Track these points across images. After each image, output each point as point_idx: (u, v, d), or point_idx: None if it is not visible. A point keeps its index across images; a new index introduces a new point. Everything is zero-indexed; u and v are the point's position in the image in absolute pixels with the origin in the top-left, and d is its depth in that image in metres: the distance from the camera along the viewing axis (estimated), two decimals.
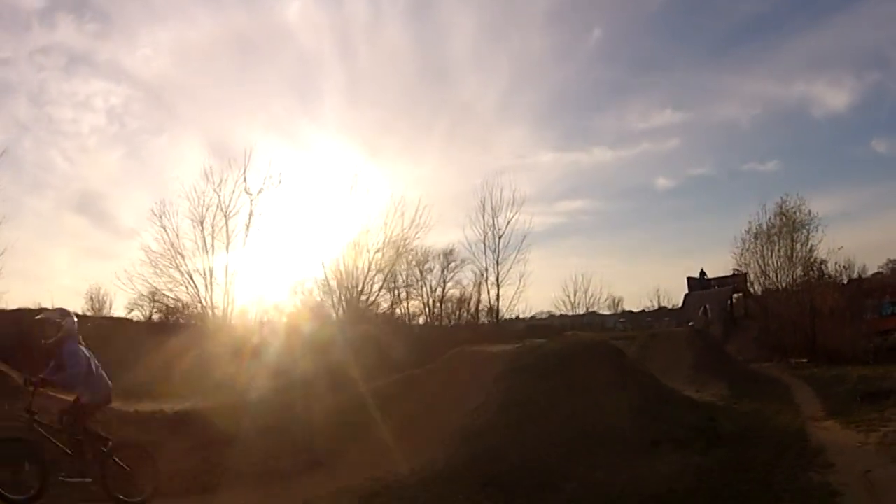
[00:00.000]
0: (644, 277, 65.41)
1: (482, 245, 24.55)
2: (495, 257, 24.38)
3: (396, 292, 25.53)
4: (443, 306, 27.14)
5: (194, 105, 43.83)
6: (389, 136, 53.34)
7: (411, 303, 26.59)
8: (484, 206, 24.45)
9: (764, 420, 8.74)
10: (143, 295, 19.23)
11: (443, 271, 26.45)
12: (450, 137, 55.52)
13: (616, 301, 38.37)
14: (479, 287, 25.56)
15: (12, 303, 15.23)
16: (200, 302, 18.88)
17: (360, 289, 22.05)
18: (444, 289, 26.55)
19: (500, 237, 24.25)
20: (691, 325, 22.67)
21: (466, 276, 25.87)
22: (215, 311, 18.82)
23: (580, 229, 40.44)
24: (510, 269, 24.11)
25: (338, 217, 22.66)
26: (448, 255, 26.01)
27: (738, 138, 64.91)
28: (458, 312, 27.78)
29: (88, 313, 23.52)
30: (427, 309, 26.90)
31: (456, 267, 26.10)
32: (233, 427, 6.66)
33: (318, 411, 6.93)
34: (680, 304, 34.51)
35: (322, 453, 6.25)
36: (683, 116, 65.55)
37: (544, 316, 34.56)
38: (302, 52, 41.58)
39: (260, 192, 19.13)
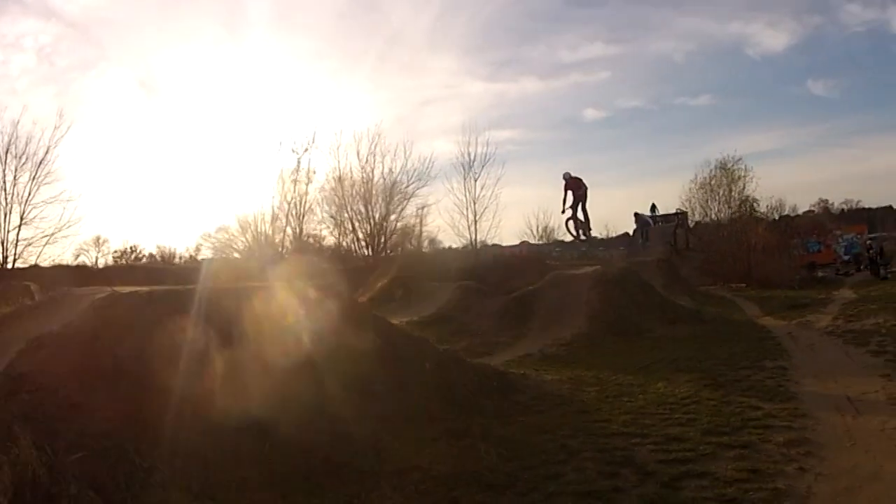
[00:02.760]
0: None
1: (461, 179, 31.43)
2: (472, 196, 31.53)
3: (342, 225, 32.01)
4: (387, 238, 33.96)
5: (123, 39, 45.46)
6: (319, 65, 58.38)
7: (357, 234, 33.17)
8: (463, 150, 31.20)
9: (725, 315, 17.26)
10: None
11: (387, 203, 33.00)
12: (379, 67, 61.74)
13: (547, 230, 48.29)
14: (423, 218, 32.77)
15: None
16: None
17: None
18: (387, 220, 33.24)
19: (476, 179, 31.41)
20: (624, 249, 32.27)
21: (408, 209, 32.83)
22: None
23: (508, 159, 49.04)
24: (486, 208, 31.56)
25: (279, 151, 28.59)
26: (392, 187, 32.40)
27: (670, 73, 78.58)
28: (403, 243, 34.89)
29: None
30: (373, 240, 33.62)
31: (401, 199, 32.77)
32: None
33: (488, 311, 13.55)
34: (614, 235, 46.42)
35: (501, 337, 12.78)
36: (616, 49, 77.26)
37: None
38: None
39: (305, 150, 27.84)
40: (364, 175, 30.97)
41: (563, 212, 18.76)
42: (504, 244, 43.97)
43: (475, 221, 31.87)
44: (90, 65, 51.76)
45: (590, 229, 19.50)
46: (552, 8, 70.87)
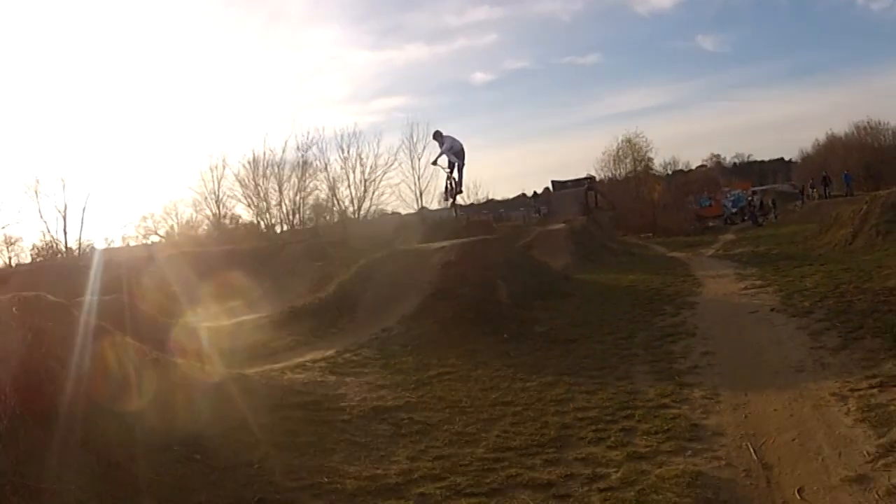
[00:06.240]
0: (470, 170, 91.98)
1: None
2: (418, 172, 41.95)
3: (257, 203, 41.63)
4: (301, 213, 43.58)
5: None
6: (201, 37, 65.67)
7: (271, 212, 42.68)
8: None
9: (645, 252, 29.30)
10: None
11: (298, 180, 42.68)
12: (263, 40, 69.72)
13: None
14: (335, 192, 42.79)
15: None
16: None
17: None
18: (300, 196, 42.89)
19: (420, 158, 41.67)
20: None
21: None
22: None
23: (397, 126, 59.29)
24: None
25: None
26: (304, 164, 42.12)
27: (557, 32, 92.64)
28: (316, 217, 44.50)
29: None
30: (287, 216, 43.25)
31: (311, 175, 42.54)
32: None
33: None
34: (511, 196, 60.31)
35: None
36: (501, 11, 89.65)
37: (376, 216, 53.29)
38: None
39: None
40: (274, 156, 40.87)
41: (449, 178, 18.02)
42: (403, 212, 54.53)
43: (420, 193, 42.48)
44: None
45: (460, 192, 18.68)
46: None
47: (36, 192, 35.57)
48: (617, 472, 5.57)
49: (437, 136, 17.76)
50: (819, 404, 6.77)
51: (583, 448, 6.22)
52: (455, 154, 17.42)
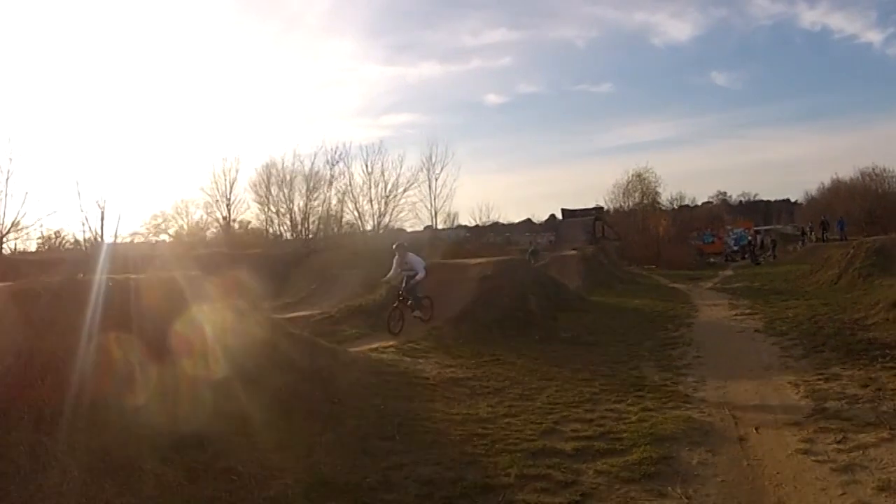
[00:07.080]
0: (472, 191, 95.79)
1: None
2: (434, 192, 44.78)
3: (267, 210, 44.29)
4: (308, 223, 46.19)
5: None
6: (214, 44, 69.37)
7: (281, 220, 45.42)
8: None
9: (650, 281, 32.24)
10: None
11: (309, 190, 45.25)
12: (276, 47, 73.35)
13: (451, 216, 63.18)
14: (343, 204, 45.39)
15: None
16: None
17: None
18: (323, 207, 45.44)
19: (437, 179, 44.41)
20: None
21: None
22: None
23: (406, 142, 62.25)
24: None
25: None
26: (314, 174, 44.83)
27: (572, 60, 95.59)
28: (324, 228, 46.96)
29: None
30: (295, 225, 45.84)
31: (321, 185, 45.14)
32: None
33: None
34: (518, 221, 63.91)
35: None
36: (518, 35, 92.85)
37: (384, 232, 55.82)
38: None
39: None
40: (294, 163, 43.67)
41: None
42: (409, 230, 57.12)
43: (435, 213, 45.41)
44: None
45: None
46: None
47: (77, 185, 38.16)
48: (635, 415, 8.35)
49: (400, 248, 16.00)
50: (778, 387, 9.58)
51: (610, 405, 8.99)
52: (415, 267, 15.55)
